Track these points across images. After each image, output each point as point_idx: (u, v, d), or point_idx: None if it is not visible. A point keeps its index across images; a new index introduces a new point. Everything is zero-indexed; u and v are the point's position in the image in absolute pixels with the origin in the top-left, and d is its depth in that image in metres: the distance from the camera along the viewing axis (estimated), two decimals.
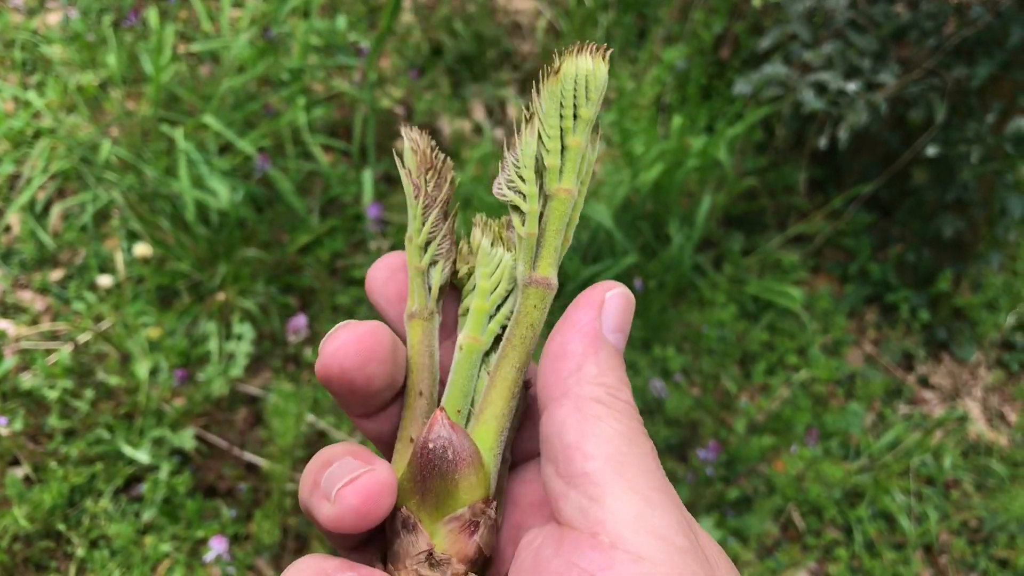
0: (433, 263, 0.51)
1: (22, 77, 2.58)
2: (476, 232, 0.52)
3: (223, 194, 2.14)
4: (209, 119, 2.27)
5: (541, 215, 0.49)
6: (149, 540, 1.72)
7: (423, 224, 0.51)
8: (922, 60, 2.11)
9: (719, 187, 2.44)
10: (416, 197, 0.51)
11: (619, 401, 0.44)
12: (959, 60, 2.11)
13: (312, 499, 0.44)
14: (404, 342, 0.51)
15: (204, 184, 2.19)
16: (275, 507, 1.76)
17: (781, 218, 2.59)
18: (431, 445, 0.45)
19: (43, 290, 2.15)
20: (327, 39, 2.66)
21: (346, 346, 0.45)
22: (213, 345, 2.00)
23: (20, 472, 1.79)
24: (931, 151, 2.16)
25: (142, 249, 2.18)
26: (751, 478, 2.05)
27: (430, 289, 0.51)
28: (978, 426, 2.34)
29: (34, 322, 2.09)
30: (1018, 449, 2.29)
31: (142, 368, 1.91)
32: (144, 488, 1.77)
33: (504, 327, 0.51)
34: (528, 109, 0.50)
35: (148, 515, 1.75)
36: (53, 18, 2.77)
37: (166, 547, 1.71)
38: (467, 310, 0.52)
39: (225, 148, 2.38)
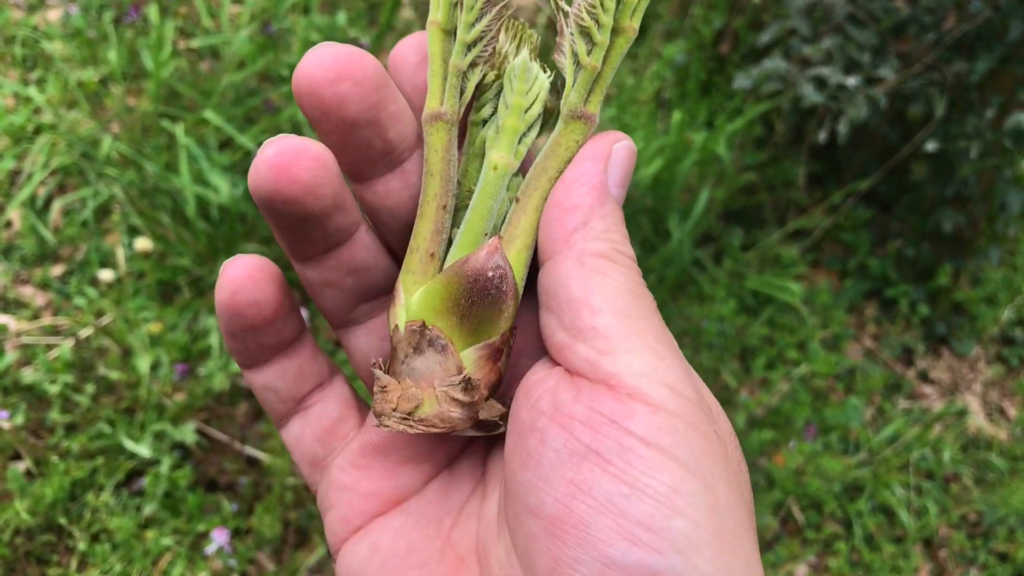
0: (473, 64, 0.48)
1: (23, 73, 2.58)
2: (504, 38, 0.49)
3: (224, 189, 2.15)
4: (210, 114, 2.27)
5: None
6: (150, 534, 1.72)
7: (478, 17, 0.47)
8: (921, 55, 2.11)
9: (719, 182, 2.44)
10: None
11: (623, 256, 0.44)
12: (959, 55, 2.11)
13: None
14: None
15: (205, 179, 2.19)
16: (276, 501, 1.77)
17: (780, 213, 2.59)
18: (490, 274, 0.45)
19: (44, 285, 2.15)
20: (327, 35, 2.66)
21: (322, 59, 0.41)
22: (214, 340, 2.01)
23: (21, 466, 1.80)
24: (930, 146, 2.17)
25: (143, 244, 2.18)
26: (751, 472, 2.05)
27: (462, 92, 0.48)
28: (978, 420, 2.35)
29: (35, 317, 2.09)
30: (1018, 443, 2.30)
31: (143, 363, 1.92)
32: (145, 482, 1.77)
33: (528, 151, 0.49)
34: None
35: (149, 509, 1.75)
36: (54, 14, 2.77)
37: (167, 541, 1.71)
38: (480, 121, 0.49)
39: (226, 143, 2.39)
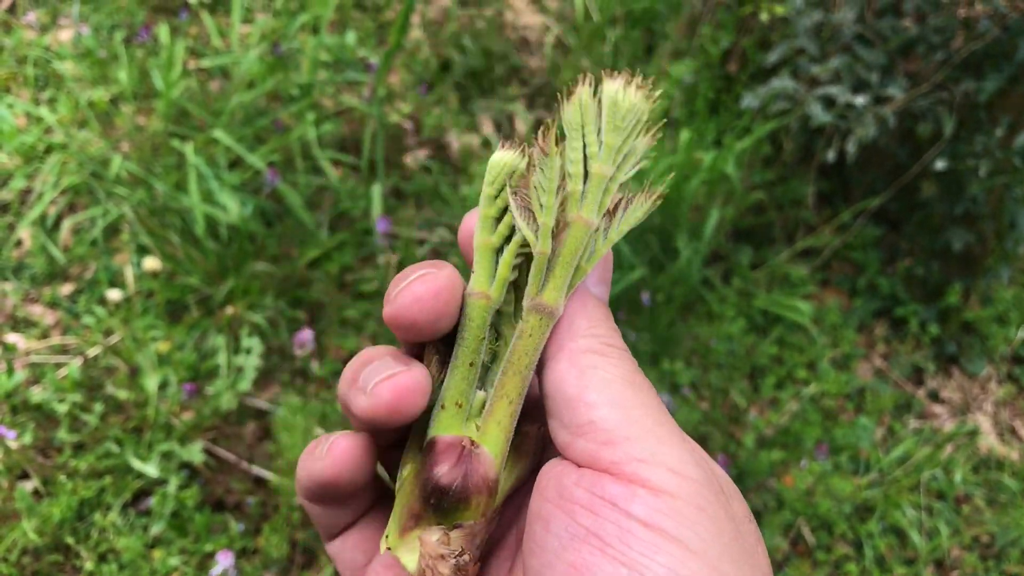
0: (506, 240, 0.49)
1: (34, 93, 2.60)
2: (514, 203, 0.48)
3: (233, 208, 2.15)
4: (219, 134, 2.28)
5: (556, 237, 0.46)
6: (157, 554, 1.72)
7: (497, 192, 0.48)
8: (930, 74, 2.11)
9: (727, 201, 2.44)
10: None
11: (612, 348, 0.45)
12: (967, 74, 2.11)
13: (350, 393, 0.46)
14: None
15: (214, 199, 2.20)
16: (283, 521, 1.76)
17: (789, 232, 2.59)
18: (444, 482, 0.46)
19: (53, 304, 2.16)
20: (336, 55, 2.68)
21: (421, 300, 0.46)
22: (222, 359, 2.01)
23: (29, 485, 1.79)
24: (939, 165, 2.16)
25: (152, 263, 2.19)
26: (760, 492, 2.04)
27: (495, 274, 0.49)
28: (989, 440, 2.33)
29: (44, 336, 2.09)
30: None
31: (151, 382, 1.92)
32: (153, 502, 1.77)
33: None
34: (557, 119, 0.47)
35: (156, 529, 1.75)
36: (65, 35, 2.79)
37: (174, 561, 1.71)
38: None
39: (235, 163, 2.40)
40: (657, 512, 0.38)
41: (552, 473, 0.44)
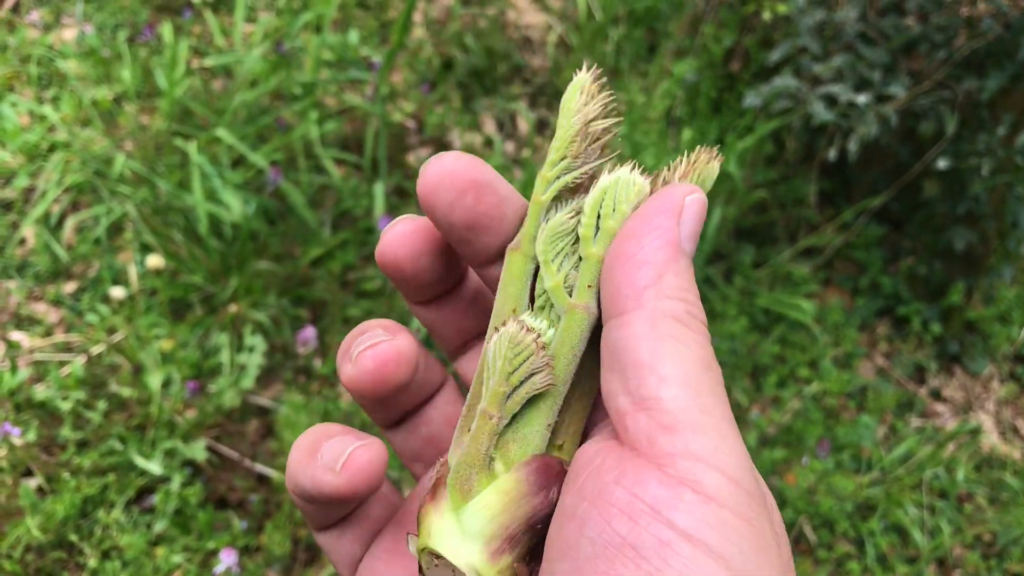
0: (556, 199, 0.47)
1: (38, 92, 2.61)
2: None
3: (236, 207, 2.16)
4: (222, 133, 2.28)
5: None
6: (160, 551, 1.72)
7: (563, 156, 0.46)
8: (932, 72, 2.11)
9: (729, 200, 2.44)
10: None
11: (697, 321, 0.41)
12: (969, 72, 2.11)
13: (341, 362, 0.46)
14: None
15: (217, 197, 2.21)
16: (286, 519, 1.77)
17: (791, 231, 2.59)
18: (544, 511, 0.44)
19: (57, 302, 2.17)
20: (339, 54, 2.68)
21: (401, 236, 0.46)
22: (225, 357, 2.01)
23: (33, 483, 1.80)
24: (942, 164, 2.16)
25: (155, 261, 2.19)
26: None
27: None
28: (991, 439, 2.33)
29: (48, 334, 2.10)
30: None
31: (154, 380, 1.92)
32: (156, 499, 1.78)
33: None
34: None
35: (159, 526, 1.75)
36: (69, 33, 2.80)
37: (177, 558, 1.71)
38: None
39: (238, 161, 2.40)
40: (702, 524, 0.35)
41: (592, 464, 0.40)
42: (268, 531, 1.76)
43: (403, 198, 2.48)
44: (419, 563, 0.46)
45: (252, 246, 2.19)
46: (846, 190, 2.63)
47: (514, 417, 0.46)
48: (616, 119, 0.46)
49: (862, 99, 2.09)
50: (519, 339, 0.44)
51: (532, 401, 0.46)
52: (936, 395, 2.43)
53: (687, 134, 2.37)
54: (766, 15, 2.38)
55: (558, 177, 0.46)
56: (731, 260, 2.47)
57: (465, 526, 0.44)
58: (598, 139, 0.46)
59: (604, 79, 0.46)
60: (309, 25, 2.77)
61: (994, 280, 2.47)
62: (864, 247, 2.58)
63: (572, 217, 0.46)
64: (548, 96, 2.91)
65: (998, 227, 2.35)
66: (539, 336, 0.44)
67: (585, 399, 0.48)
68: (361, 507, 0.51)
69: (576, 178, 0.46)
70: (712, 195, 2.43)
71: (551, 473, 0.45)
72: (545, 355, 0.44)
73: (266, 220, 2.30)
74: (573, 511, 0.39)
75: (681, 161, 0.46)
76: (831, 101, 2.16)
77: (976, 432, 2.29)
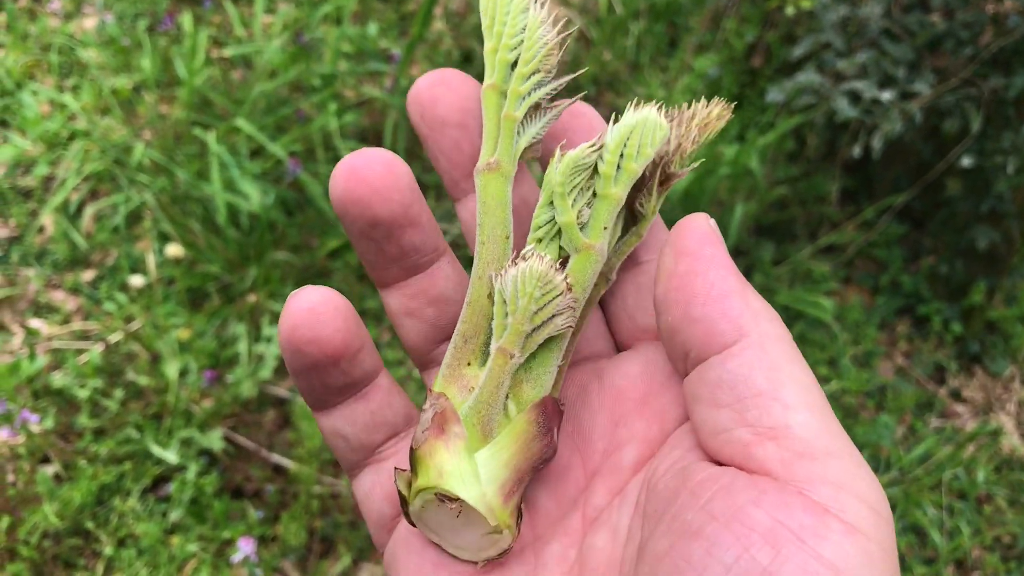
0: (527, 118, 0.47)
1: (58, 80, 2.61)
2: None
3: (254, 197, 2.15)
4: (241, 123, 2.28)
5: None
6: (176, 540, 1.72)
7: (534, 66, 0.46)
8: (958, 70, 2.09)
9: (750, 196, 2.43)
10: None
11: (790, 337, 0.40)
12: (996, 70, 2.09)
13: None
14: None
15: (236, 187, 2.20)
16: (302, 509, 1.77)
17: (812, 228, 2.57)
18: (548, 454, 0.44)
19: (75, 290, 2.17)
20: (358, 45, 2.68)
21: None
22: (242, 347, 2.01)
23: (51, 470, 1.80)
24: (966, 161, 2.14)
25: (173, 250, 2.19)
26: None
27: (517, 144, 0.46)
28: (1012, 440, 2.31)
29: (66, 322, 2.10)
30: None
31: (172, 369, 1.92)
32: (172, 488, 1.78)
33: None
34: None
35: (175, 515, 1.75)
36: (89, 22, 2.80)
37: (193, 547, 1.71)
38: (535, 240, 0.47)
39: (257, 152, 2.40)
40: (850, 557, 0.33)
41: (720, 483, 0.37)
42: (284, 521, 1.76)
43: (421, 190, 2.48)
44: (407, 501, 0.44)
45: (270, 236, 2.19)
46: (868, 188, 2.61)
47: (528, 357, 0.45)
48: (568, 31, 0.47)
49: (886, 96, 2.07)
50: (548, 278, 0.42)
51: (546, 342, 0.45)
52: (956, 395, 2.40)
53: None
54: (789, 10, 2.36)
55: (530, 92, 0.46)
56: (751, 257, 2.45)
57: (485, 469, 0.43)
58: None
59: None
60: (329, 17, 2.77)
61: (1017, 280, 2.45)
62: (885, 245, 2.55)
63: (594, 151, 0.45)
64: (567, 90, 2.90)
65: (1022, 226, 2.32)
66: (567, 277, 0.43)
67: (571, 341, 0.48)
68: (358, 386, 0.48)
69: (547, 94, 0.46)
70: (732, 192, 2.42)
71: (554, 415, 0.45)
72: (572, 296, 0.43)
73: (284, 211, 2.30)
74: (700, 529, 0.36)
75: (694, 109, 0.46)
76: (855, 97, 2.14)
77: (996, 433, 2.27)
